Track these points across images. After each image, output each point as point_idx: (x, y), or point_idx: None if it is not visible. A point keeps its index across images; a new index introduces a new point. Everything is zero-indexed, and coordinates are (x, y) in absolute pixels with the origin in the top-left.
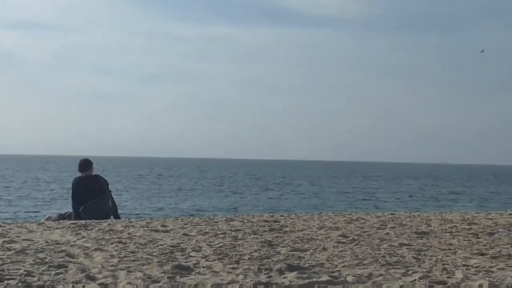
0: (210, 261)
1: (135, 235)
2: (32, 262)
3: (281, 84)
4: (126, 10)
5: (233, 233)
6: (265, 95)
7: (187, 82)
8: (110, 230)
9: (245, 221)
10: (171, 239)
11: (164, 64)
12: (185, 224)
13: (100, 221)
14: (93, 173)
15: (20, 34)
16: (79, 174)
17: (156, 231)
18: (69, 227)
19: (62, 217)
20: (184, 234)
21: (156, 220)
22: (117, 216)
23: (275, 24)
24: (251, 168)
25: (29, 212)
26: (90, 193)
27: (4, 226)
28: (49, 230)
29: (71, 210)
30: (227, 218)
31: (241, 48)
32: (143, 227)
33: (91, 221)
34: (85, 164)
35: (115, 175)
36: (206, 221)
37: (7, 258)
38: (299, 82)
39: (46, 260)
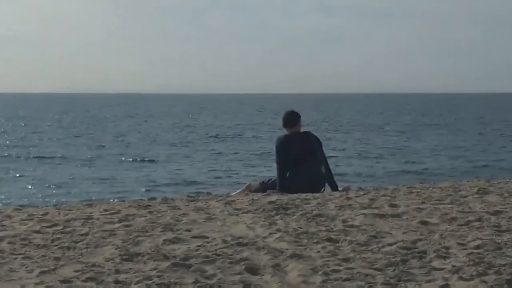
0: (465, 278)
1: (353, 224)
2: (193, 281)
3: None
4: None
5: (492, 217)
6: None
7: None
8: (318, 216)
9: (505, 193)
10: (403, 232)
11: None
12: (424, 200)
13: (308, 197)
14: (302, 130)
15: None
16: (284, 131)
17: (382, 215)
18: (264, 209)
19: (264, 185)
20: (422, 222)
21: (384, 191)
22: (333, 185)
23: None
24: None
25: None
26: (298, 155)
27: (174, 202)
28: (236, 214)
29: (275, 176)
30: (479, 189)
31: None
32: (365, 208)
33: (295, 197)
34: (291, 117)
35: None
36: (450, 191)
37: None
38: None
39: (217, 276)
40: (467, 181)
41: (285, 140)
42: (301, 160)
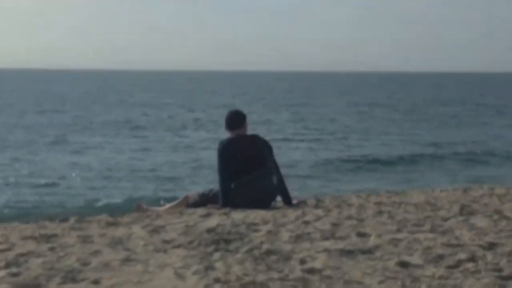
0: None
1: (314, 268)
2: None
3: None
4: None
5: (488, 254)
6: None
7: None
8: (269, 253)
9: (493, 214)
10: (379, 281)
11: None
12: (398, 225)
13: (256, 220)
14: (248, 132)
15: None
16: (227, 133)
17: (350, 252)
18: (200, 242)
19: (204, 198)
20: (401, 264)
21: (348, 210)
22: (287, 199)
23: None
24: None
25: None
26: (244, 163)
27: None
28: (164, 251)
29: (217, 187)
30: (461, 208)
31: None
32: (327, 238)
33: (240, 220)
34: (236, 118)
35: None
36: (427, 209)
37: None
38: None
39: None
40: (441, 191)
41: (228, 144)
42: (248, 168)
